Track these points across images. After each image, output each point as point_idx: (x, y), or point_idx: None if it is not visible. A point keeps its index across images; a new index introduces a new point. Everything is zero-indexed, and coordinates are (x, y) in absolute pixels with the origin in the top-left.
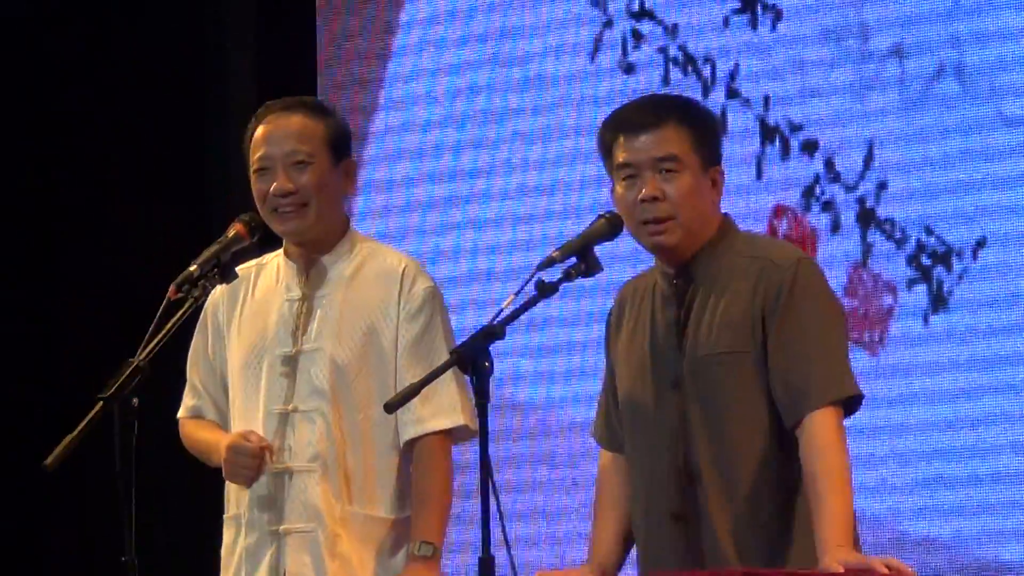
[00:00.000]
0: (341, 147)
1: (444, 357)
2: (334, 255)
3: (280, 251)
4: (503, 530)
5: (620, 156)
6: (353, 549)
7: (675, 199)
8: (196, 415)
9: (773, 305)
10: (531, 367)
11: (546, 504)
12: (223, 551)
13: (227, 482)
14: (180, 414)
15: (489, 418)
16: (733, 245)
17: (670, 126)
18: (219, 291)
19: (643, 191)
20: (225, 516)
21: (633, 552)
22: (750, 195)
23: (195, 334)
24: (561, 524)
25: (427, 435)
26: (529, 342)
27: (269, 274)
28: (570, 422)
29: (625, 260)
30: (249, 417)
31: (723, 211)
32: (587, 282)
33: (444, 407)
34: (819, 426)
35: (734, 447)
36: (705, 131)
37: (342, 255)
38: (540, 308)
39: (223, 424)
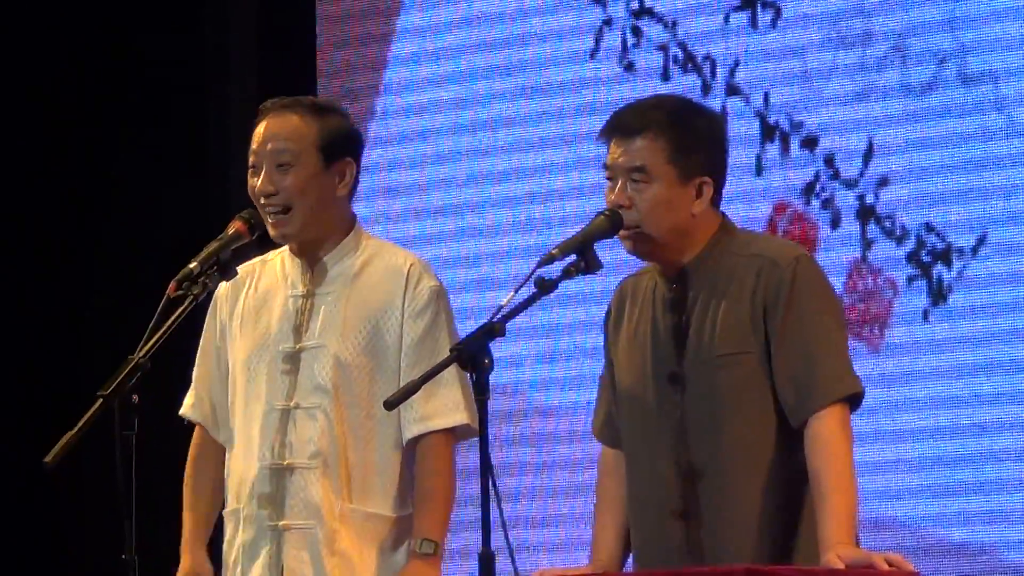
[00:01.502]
0: (335, 148)
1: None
2: (339, 252)
3: (285, 247)
4: (504, 526)
5: (606, 158)
6: (353, 546)
7: (641, 210)
8: (194, 421)
9: (773, 304)
10: (549, 373)
11: (549, 509)
12: (224, 545)
13: (228, 476)
14: (181, 411)
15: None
16: (731, 246)
17: (647, 137)
18: (223, 288)
19: (612, 197)
20: (225, 511)
21: None
22: (750, 192)
23: (203, 330)
24: (565, 530)
25: (430, 433)
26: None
27: (273, 270)
28: (577, 428)
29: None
30: (251, 413)
31: (722, 212)
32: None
33: (447, 406)
34: (825, 424)
35: (737, 447)
36: (689, 141)
37: (347, 252)
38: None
39: (215, 421)
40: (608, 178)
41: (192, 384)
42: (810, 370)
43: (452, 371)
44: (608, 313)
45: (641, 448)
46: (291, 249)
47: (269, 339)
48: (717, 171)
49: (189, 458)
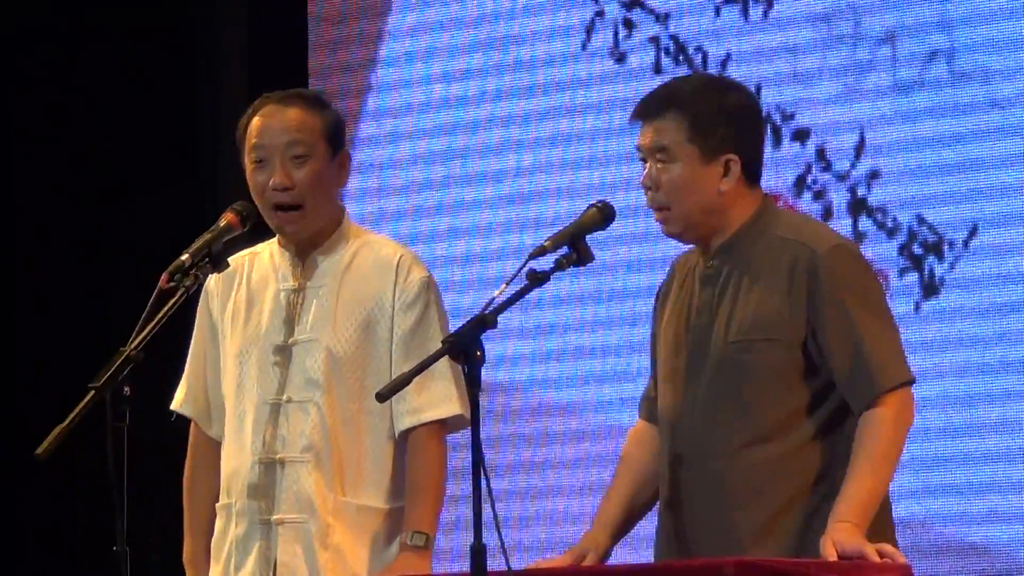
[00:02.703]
0: (337, 139)
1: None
2: (329, 245)
3: (274, 240)
4: (495, 519)
5: (637, 140)
6: (346, 540)
7: (667, 190)
8: (185, 415)
9: (811, 297)
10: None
11: (545, 508)
12: (214, 539)
13: (221, 470)
14: (172, 405)
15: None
16: (769, 226)
17: (667, 117)
18: (213, 281)
19: (642, 178)
20: (217, 504)
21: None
22: None
23: (195, 324)
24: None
25: (421, 425)
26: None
27: (263, 263)
28: (573, 427)
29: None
30: (243, 407)
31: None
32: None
33: (439, 397)
34: (874, 415)
35: (752, 433)
36: (711, 118)
37: (337, 245)
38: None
39: (208, 416)
40: (641, 159)
41: (183, 378)
42: (855, 365)
43: (444, 363)
44: (659, 292)
45: (664, 429)
46: (280, 242)
47: (260, 333)
48: (746, 147)
49: (187, 461)
